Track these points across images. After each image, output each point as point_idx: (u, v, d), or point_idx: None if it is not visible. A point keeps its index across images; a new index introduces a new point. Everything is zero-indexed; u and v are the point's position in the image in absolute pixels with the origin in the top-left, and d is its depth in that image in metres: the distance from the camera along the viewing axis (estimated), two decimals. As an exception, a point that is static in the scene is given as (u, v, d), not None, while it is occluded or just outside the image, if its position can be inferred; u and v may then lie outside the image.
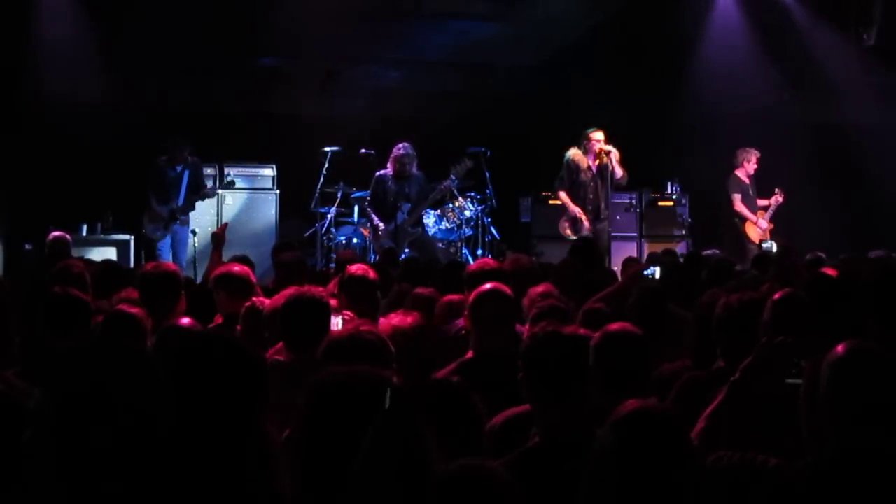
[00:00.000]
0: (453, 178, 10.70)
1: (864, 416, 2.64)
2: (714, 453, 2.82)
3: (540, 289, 5.14)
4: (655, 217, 12.37)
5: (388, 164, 10.69)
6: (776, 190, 11.98)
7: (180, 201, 11.02)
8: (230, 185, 11.68)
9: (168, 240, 11.03)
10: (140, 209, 11.20)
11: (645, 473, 2.41)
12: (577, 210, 10.51)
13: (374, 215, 10.67)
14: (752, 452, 2.76)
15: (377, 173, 10.70)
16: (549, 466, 3.03)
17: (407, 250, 10.42)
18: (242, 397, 2.44)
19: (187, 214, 11.12)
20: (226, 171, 11.90)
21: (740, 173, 11.92)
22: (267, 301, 4.96)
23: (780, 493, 2.65)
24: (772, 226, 11.89)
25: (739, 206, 11.82)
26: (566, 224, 10.61)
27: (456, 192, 11.54)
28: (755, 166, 11.89)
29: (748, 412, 3.05)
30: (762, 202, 12.03)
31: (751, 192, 11.97)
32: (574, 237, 10.28)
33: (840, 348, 2.72)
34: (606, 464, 2.44)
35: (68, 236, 9.81)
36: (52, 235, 9.63)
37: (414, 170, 10.69)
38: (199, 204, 11.63)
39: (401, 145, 10.65)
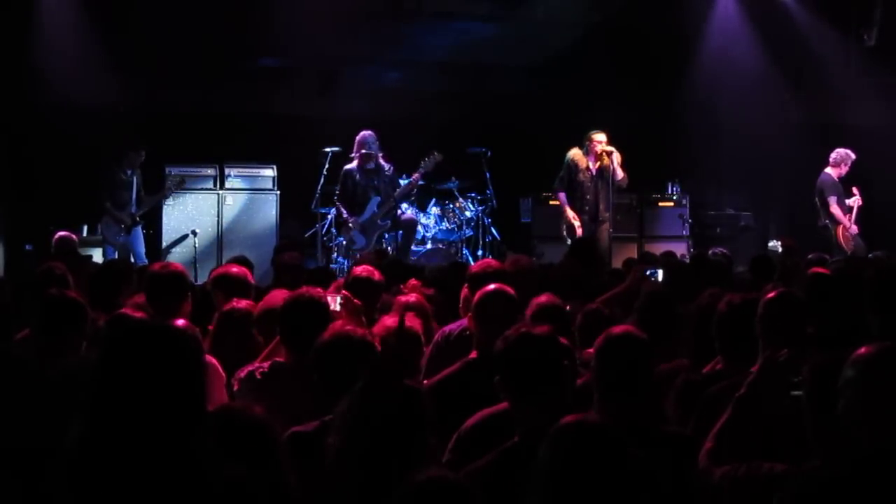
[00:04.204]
0: (422, 170, 10.67)
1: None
2: (720, 468, 2.81)
3: (542, 299, 5.11)
4: (655, 217, 12.36)
5: (354, 155, 10.69)
6: (853, 190, 11.47)
7: (133, 207, 10.99)
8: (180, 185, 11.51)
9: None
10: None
11: (580, 487, 2.43)
12: (571, 215, 10.47)
13: (343, 209, 10.68)
14: (758, 461, 2.75)
15: (345, 167, 10.72)
16: (526, 465, 3.06)
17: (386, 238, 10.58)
18: (179, 383, 2.39)
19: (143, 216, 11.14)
20: (226, 171, 11.89)
21: (834, 173, 11.39)
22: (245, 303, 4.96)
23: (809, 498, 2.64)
24: (856, 229, 11.36)
25: (835, 209, 11.24)
26: (563, 228, 10.61)
27: (456, 192, 11.56)
28: (847, 169, 11.40)
29: (755, 426, 3.05)
30: (848, 203, 11.48)
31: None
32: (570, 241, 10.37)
33: (869, 348, 2.71)
34: (543, 478, 2.46)
35: (74, 236, 9.83)
36: (58, 235, 9.64)
37: (382, 161, 10.68)
38: (199, 204, 11.63)
39: (364, 132, 10.63)
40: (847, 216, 11.38)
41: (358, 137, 10.62)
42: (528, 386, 3.24)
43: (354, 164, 10.65)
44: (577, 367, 3.85)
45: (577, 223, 10.41)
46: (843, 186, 11.46)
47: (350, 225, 10.58)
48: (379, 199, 10.58)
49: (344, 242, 10.85)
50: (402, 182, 10.74)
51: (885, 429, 2.61)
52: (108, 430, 2.31)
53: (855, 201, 11.42)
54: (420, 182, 10.86)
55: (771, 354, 3.20)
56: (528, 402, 3.23)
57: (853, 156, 11.41)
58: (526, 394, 3.24)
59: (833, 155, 11.45)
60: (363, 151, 10.56)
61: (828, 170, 11.46)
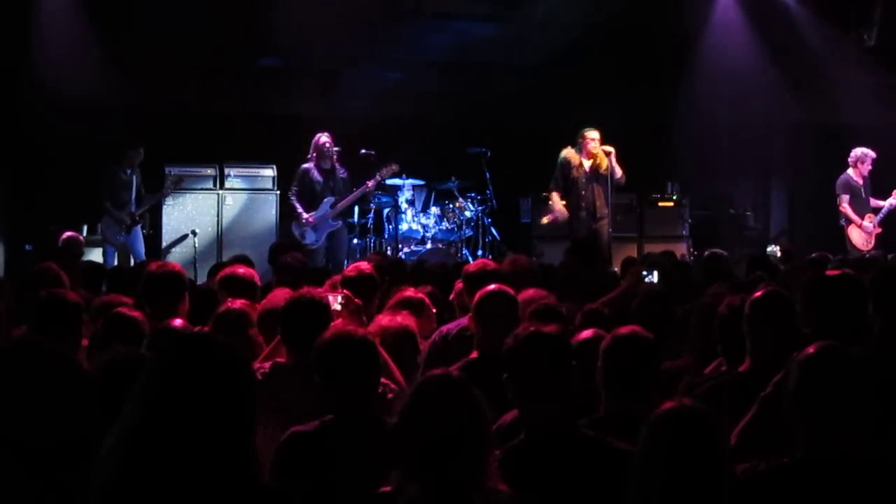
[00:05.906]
0: (377, 179, 10.81)
1: (832, 417, 2.66)
2: (741, 465, 2.83)
3: (530, 293, 5.11)
4: (655, 217, 12.35)
5: (311, 155, 10.83)
6: (895, 191, 11.48)
7: (133, 206, 10.99)
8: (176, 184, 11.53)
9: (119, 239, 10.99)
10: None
11: (683, 472, 2.50)
12: (558, 207, 10.59)
13: (297, 205, 10.81)
14: (777, 458, 2.76)
15: (302, 166, 10.87)
16: (532, 463, 3.09)
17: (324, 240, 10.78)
18: (235, 399, 2.38)
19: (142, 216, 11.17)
20: (227, 171, 11.88)
21: (853, 174, 11.48)
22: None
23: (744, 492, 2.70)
24: (879, 230, 11.40)
25: (844, 208, 11.40)
26: (568, 227, 10.62)
27: (456, 192, 11.57)
28: (869, 167, 11.45)
29: (779, 425, 3.06)
30: (879, 203, 11.53)
31: (863, 193, 11.51)
32: (546, 222, 10.79)
33: (811, 348, 2.75)
34: (648, 465, 2.50)
35: (81, 237, 9.85)
36: (65, 235, 9.66)
37: (337, 164, 10.85)
38: (199, 204, 11.63)
39: (319, 135, 10.74)
40: (868, 215, 11.44)
41: (314, 140, 10.81)
42: (538, 385, 3.23)
43: (311, 164, 10.83)
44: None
45: (559, 213, 10.55)
46: (886, 187, 11.51)
47: (304, 221, 10.73)
48: (333, 199, 10.77)
49: (297, 236, 10.88)
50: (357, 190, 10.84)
51: (820, 430, 2.66)
52: (168, 434, 2.28)
53: (889, 203, 11.43)
54: (372, 189, 10.93)
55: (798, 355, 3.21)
56: (537, 401, 3.23)
57: (871, 154, 11.47)
58: (535, 392, 3.23)
59: (850, 155, 11.55)
60: (318, 152, 10.75)
61: (848, 170, 11.56)
